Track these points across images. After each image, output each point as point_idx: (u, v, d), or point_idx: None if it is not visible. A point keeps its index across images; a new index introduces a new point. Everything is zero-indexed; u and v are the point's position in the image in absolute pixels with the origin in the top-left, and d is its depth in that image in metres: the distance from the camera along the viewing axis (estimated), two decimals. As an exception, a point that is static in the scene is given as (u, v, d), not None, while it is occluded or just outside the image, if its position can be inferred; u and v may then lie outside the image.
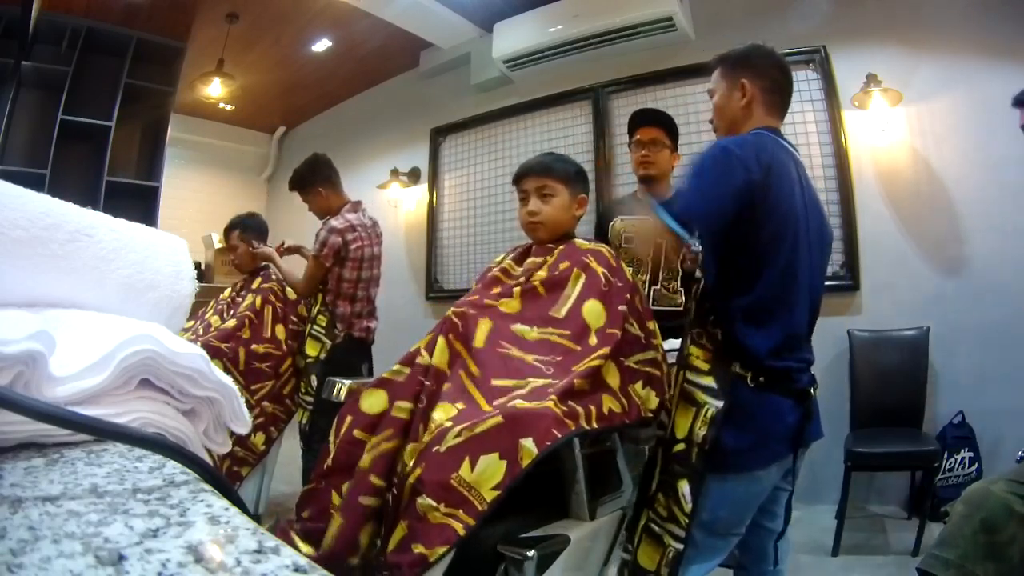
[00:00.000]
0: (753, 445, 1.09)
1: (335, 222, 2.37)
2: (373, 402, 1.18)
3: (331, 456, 1.16)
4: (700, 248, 1.30)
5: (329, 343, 2.34)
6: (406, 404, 1.12)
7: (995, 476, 1.11)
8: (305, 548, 1.09)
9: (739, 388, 1.09)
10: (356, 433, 1.15)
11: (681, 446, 1.11)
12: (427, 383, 1.13)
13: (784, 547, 1.29)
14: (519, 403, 1.06)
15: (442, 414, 1.07)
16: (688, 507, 1.07)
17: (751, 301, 1.11)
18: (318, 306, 2.40)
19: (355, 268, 2.38)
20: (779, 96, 1.25)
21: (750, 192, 1.07)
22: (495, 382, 1.11)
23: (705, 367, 1.13)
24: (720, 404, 1.08)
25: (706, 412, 1.09)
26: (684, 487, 1.08)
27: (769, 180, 1.08)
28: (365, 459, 1.09)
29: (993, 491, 1.04)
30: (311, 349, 2.35)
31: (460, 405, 1.09)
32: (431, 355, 1.17)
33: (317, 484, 1.17)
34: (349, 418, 1.17)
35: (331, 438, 1.20)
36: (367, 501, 1.05)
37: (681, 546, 1.08)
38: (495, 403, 1.08)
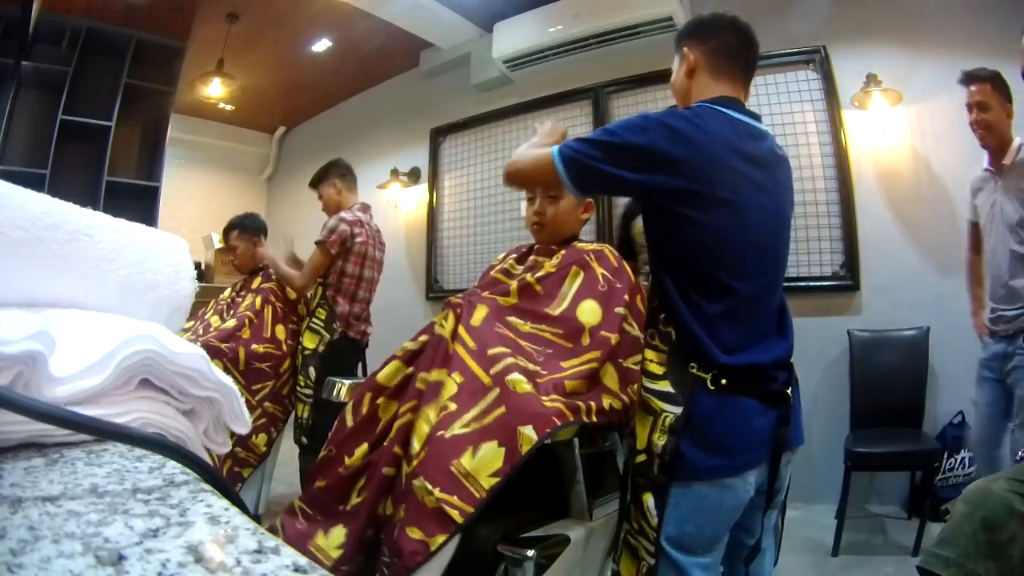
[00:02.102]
0: (718, 452, 0.99)
1: (346, 214, 2.44)
2: (390, 374, 1.20)
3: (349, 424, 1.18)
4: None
5: (327, 336, 2.35)
6: (425, 375, 1.14)
7: (995, 475, 1.11)
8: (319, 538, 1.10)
9: (699, 392, 0.99)
10: (379, 401, 1.17)
11: (642, 457, 1.04)
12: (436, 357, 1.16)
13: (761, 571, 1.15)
14: (515, 376, 1.07)
15: (443, 392, 1.08)
16: (654, 521, 1.01)
17: (695, 292, 1.01)
18: (318, 299, 2.42)
19: (357, 264, 2.40)
20: (729, 59, 1.12)
21: (665, 162, 0.97)
22: (490, 351, 1.13)
23: (660, 371, 1.04)
24: (678, 411, 1.00)
25: (664, 420, 1.01)
26: (649, 500, 1.02)
27: (694, 154, 0.98)
28: (391, 433, 1.10)
29: (993, 490, 1.04)
30: (309, 342, 2.36)
31: (458, 377, 1.09)
32: (436, 325, 1.20)
33: (329, 452, 1.19)
34: (369, 394, 1.19)
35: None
36: (387, 471, 1.06)
37: (653, 560, 1.02)
38: (492, 372, 1.09)
